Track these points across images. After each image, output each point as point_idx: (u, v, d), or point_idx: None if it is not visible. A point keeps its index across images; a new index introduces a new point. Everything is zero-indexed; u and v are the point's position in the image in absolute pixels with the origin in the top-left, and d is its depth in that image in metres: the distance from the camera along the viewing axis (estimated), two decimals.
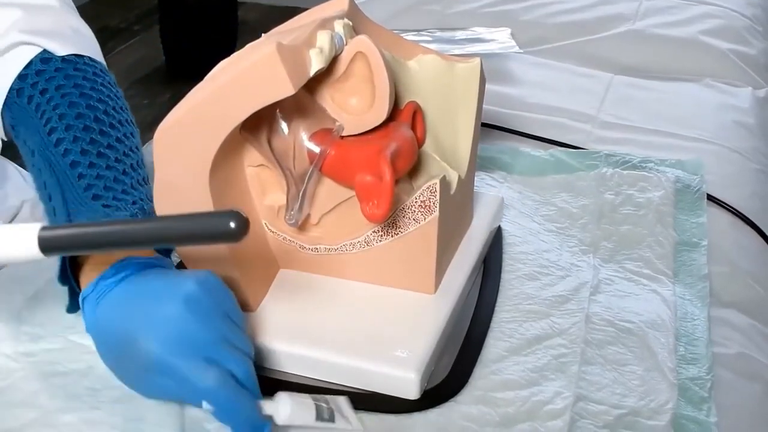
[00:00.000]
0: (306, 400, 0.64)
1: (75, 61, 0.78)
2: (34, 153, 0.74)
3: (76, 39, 0.81)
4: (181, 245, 0.59)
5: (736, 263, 0.90)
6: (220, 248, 0.71)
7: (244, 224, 0.50)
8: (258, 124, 0.70)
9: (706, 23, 1.46)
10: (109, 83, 0.79)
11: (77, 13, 0.85)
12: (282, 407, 0.63)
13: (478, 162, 0.92)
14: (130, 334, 0.61)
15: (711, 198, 0.98)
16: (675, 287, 0.83)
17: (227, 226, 0.50)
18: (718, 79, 1.30)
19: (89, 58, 0.80)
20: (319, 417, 0.63)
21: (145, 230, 0.54)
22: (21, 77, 0.77)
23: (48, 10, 0.81)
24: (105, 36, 3.65)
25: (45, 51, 0.78)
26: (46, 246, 0.54)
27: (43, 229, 0.54)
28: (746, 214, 0.97)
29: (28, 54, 0.77)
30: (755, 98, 1.26)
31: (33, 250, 0.54)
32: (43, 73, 0.77)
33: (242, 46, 0.70)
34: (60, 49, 0.78)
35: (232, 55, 0.69)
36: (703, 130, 1.14)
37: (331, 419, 0.64)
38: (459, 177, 0.77)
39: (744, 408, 0.73)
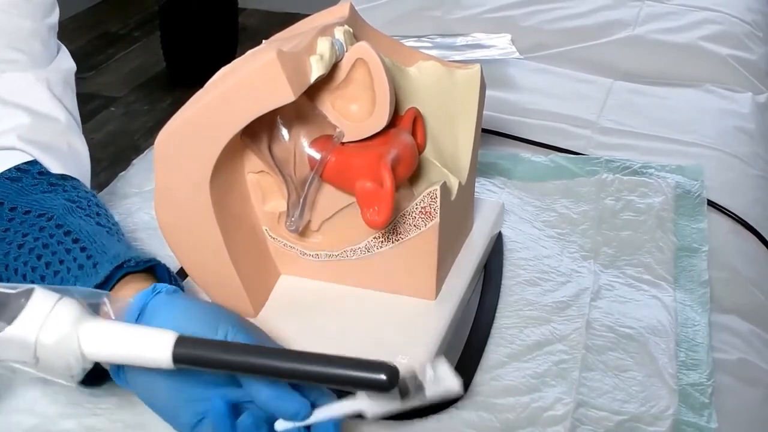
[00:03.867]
0: None
1: (62, 184, 0.77)
2: (52, 217, 0.72)
3: (71, 158, 0.80)
4: (325, 385, 0.59)
5: (736, 269, 0.90)
6: (222, 255, 0.71)
7: (394, 376, 0.52)
8: (258, 131, 0.70)
9: (706, 29, 1.46)
10: (97, 204, 0.77)
11: (80, 129, 0.84)
12: (360, 399, 0.59)
13: (479, 168, 0.92)
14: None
15: (711, 204, 0.98)
16: (676, 293, 0.83)
17: (378, 378, 0.52)
18: (718, 85, 1.30)
19: (76, 181, 0.78)
20: (404, 394, 0.58)
21: (291, 366, 0.54)
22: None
23: (53, 123, 0.80)
24: (105, 42, 3.66)
25: (37, 163, 0.77)
26: (180, 359, 0.55)
27: (180, 340, 0.55)
28: (747, 220, 0.97)
29: (16, 159, 0.76)
30: (755, 104, 1.26)
31: (165, 359, 0.55)
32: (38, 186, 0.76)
33: (243, 52, 0.70)
34: (53, 167, 0.77)
35: (232, 62, 0.69)
36: (703, 136, 1.14)
37: (420, 389, 0.58)
38: (459, 183, 0.77)
39: (745, 413, 0.73)
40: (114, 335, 0.57)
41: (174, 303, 0.63)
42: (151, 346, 0.56)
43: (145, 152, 1.13)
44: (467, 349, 0.75)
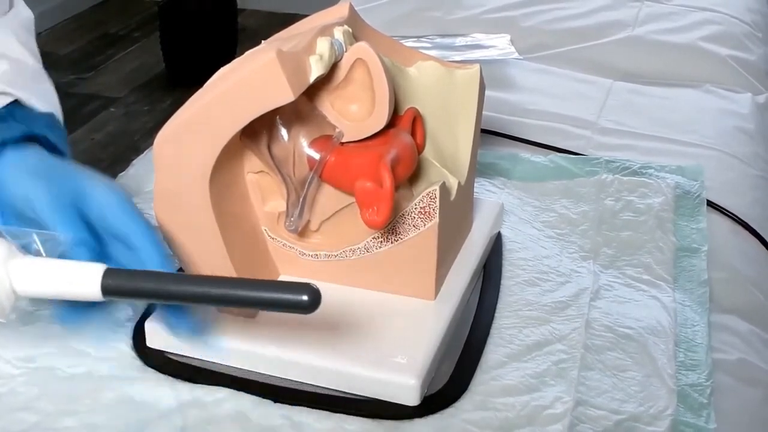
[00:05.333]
0: None
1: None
2: None
3: (48, 98, 0.83)
4: (251, 308, 0.63)
5: (736, 269, 0.90)
6: (221, 255, 0.71)
7: (316, 298, 0.54)
8: (258, 131, 0.70)
9: (706, 29, 1.46)
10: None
11: (46, 74, 0.87)
12: None
13: (478, 168, 0.92)
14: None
15: (711, 204, 0.98)
16: (675, 293, 0.83)
17: (300, 299, 0.54)
18: (718, 85, 1.30)
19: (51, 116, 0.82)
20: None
21: (218, 291, 0.56)
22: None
23: (25, 67, 0.83)
24: (105, 43, 3.66)
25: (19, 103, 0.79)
26: (109, 290, 0.56)
27: (108, 272, 0.56)
28: (746, 220, 0.97)
29: (4, 101, 0.78)
30: (755, 104, 1.26)
31: (94, 291, 0.56)
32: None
33: (242, 52, 0.70)
34: (39, 105, 0.79)
35: (232, 62, 0.69)
36: (703, 136, 1.14)
37: None
38: (459, 183, 0.77)
39: (744, 413, 0.73)
40: (43, 271, 0.58)
41: (19, 162, 0.67)
42: (80, 279, 0.57)
43: (144, 152, 1.13)
44: (467, 349, 0.75)
